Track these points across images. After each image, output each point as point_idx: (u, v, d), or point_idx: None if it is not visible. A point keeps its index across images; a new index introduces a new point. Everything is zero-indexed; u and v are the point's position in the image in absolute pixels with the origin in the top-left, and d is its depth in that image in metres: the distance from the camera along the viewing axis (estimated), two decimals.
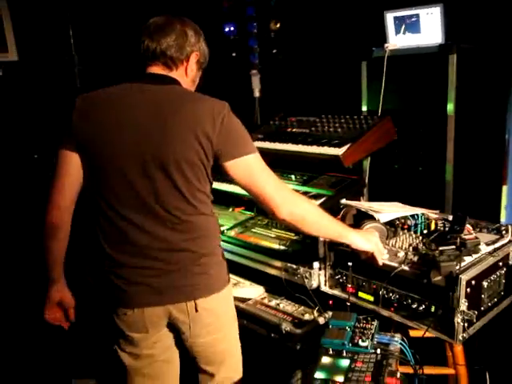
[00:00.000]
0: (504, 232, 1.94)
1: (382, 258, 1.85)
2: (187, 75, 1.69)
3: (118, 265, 1.64)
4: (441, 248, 1.76)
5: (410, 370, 1.74)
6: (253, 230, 2.52)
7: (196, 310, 1.67)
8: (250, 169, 1.58)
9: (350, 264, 1.99)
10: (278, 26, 2.92)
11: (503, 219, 2.72)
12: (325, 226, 1.73)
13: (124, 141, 1.54)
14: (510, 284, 1.88)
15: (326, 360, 1.67)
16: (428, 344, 1.83)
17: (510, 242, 1.89)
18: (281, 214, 1.60)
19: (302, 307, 2.26)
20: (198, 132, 1.53)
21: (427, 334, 1.83)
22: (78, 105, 1.60)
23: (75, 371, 2.67)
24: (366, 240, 1.80)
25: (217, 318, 1.74)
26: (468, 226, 1.91)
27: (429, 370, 1.90)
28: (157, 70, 1.65)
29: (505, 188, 2.85)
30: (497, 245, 1.85)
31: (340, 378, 1.57)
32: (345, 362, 1.64)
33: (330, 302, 2.22)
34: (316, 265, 2.11)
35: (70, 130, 1.59)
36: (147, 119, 1.53)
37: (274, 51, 3.00)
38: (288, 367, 2.25)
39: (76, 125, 1.58)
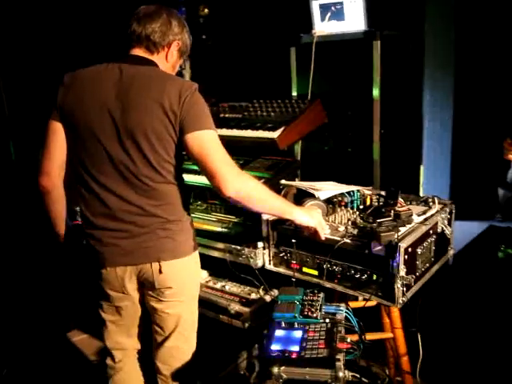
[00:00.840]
0: (431, 203, 2.10)
1: (325, 233, 1.94)
2: (167, 60, 1.84)
3: (94, 227, 1.79)
4: (378, 220, 1.88)
5: (354, 337, 1.84)
6: (192, 215, 2.50)
7: (160, 272, 1.78)
8: (204, 143, 1.67)
9: (294, 241, 2.06)
10: (207, 11, 2.92)
11: (421, 194, 2.95)
12: (270, 203, 1.80)
13: (99, 113, 1.69)
14: (439, 250, 2.05)
15: (279, 333, 1.73)
16: (364, 314, 1.94)
17: (437, 212, 2.05)
18: (227, 191, 1.66)
19: (248, 287, 2.33)
20: (166, 105, 1.65)
21: (363, 304, 1.94)
22: (64, 81, 1.77)
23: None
24: (309, 216, 1.88)
25: (180, 282, 1.83)
26: (400, 200, 2.04)
27: (370, 336, 2.00)
28: (139, 52, 1.80)
29: (422, 168, 3.10)
30: (427, 215, 2.00)
31: (295, 348, 1.65)
32: (298, 333, 1.72)
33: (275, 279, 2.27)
34: (260, 244, 2.17)
35: (55, 103, 1.76)
36: (121, 93, 1.69)
37: (204, 37, 3.00)
38: (237, 348, 2.30)
39: (60, 98, 1.75)
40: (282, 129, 2.45)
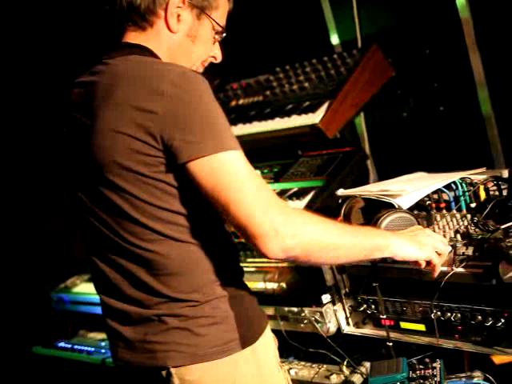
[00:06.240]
0: None
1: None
2: (171, 29, 1.72)
3: (103, 305, 1.81)
4: (503, 226, 1.75)
5: None
6: None
7: (174, 382, 1.66)
8: (219, 176, 1.53)
9: (375, 284, 1.95)
10: None
11: None
12: (347, 247, 1.66)
13: (71, 150, 1.74)
14: None
15: None
16: None
17: None
18: (272, 252, 1.54)
19: (324, 366, 2.23)
20: (135, 121, 1.56)
21: None
22: None
23: None
24: (416, 245, 1.74)
25: None
26: None
27: None
28: (129, 35, 1.75)
29: None
30: None
31: None
32: None
33: (363, 346, 2.22)
34: (326, 298, 2.11)
35: None
36: (85, 114, 1.67)
37: None
38: None
39: None
40: (325, 106, 2.39)
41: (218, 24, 1.77)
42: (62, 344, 2.99)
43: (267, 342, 1.77)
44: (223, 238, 1.75)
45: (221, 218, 1.72)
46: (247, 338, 1.71)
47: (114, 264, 1.72)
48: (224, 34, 1.81)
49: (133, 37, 1.74)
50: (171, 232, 1.65)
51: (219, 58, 1.83)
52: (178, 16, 1.71)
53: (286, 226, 1.54)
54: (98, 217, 1.71)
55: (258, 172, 2.68)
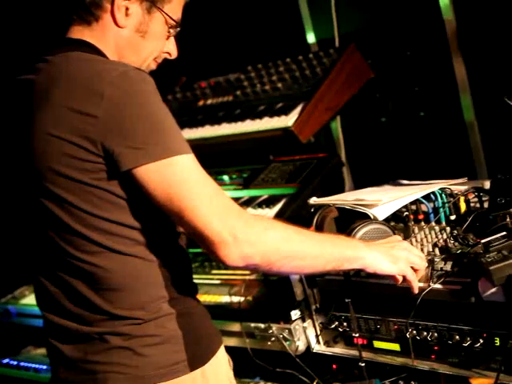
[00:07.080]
0: None
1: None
2: (119, 24, 1.71)
3: (46, 324, 1.79)
4: (484, 240, 1.73)
5: None
6: None
7: None
8: (167, 182, 1.53)
9: (348, 300, 1.95)
10: None
11: None
12: (313, 257, 1.66)
13: (8, 157, 1.74)
14: None
15: None
16: None
17: None
18: (230, 260, 1.54)
19: None
20: (72, 124, 1.55)
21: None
22: None
23: None
24: (389, 258, 1.73)
25: None
26: None
27: None
28: (74, 31, 1.74)
29: None
30: None
31: None
32: None
33: (334, 365, 2.22)
34: (295, 314, 2.10)
35: None
36: (19, 120, 1.67)
37: None
38: None
39: None
40: (299, 108, 2.41)
41: (171, 18, 1.75)
42: (7, 360, 2.97)
43: (219, 363, 1.76)
44: (174, 251, 1.73)
45: (172, 230, 1.72)
46: (196, 359, 1.70)
47: (55, 277, 1.70)
48: (178, 29, 1.78)
49: (77, 32, 1.72)
50: (114, 244, 1.64)
51: (174, 54, 1.81)
52: (126, 9, 1.69)
53: (245, 232, 1.54)
54: (37, 227, 1.70)
55: (226, 178, 2.70)
